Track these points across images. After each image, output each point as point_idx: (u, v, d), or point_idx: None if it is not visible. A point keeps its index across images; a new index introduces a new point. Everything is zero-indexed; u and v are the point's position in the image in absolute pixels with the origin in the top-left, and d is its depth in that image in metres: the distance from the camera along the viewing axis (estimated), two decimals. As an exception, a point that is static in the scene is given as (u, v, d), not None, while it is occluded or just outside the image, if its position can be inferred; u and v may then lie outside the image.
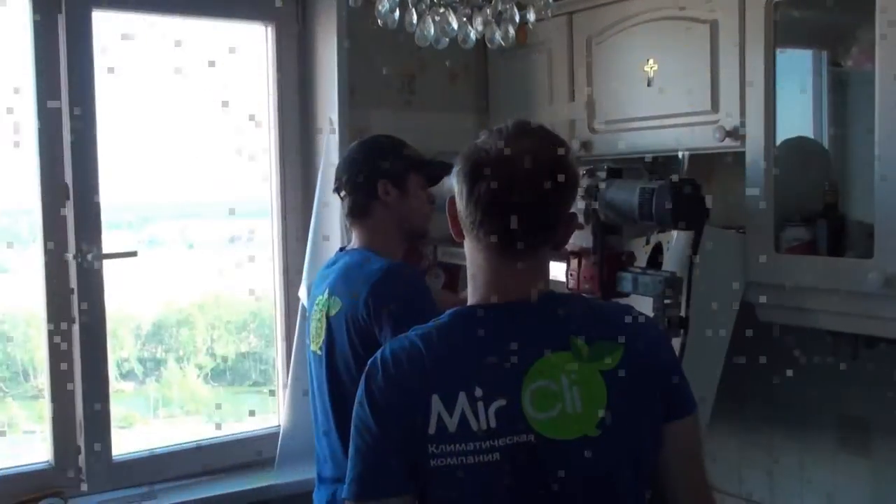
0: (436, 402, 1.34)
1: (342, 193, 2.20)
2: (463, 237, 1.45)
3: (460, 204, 1.42)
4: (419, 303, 1.99)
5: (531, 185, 1.38)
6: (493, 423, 1.33)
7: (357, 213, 2.17)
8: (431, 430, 1.34)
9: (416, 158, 2.21)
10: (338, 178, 2.21)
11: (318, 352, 2.12)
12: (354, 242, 2.19)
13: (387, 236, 2.17)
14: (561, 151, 1.42)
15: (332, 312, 2.06)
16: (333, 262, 2.19)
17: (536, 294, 1.41)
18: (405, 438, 1.35)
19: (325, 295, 2.10)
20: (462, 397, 1.33)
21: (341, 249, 2.25)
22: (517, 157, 1.39)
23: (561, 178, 1.39)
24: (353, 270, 2.08)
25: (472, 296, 1.45)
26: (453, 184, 1.44)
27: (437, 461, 1.33)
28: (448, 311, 1.44)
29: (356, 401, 1.40)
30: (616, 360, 1.38)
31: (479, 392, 1.33)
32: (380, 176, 2.14)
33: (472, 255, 1.44)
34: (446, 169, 2.20)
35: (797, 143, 2.40)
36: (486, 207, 1.39)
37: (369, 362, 1.42)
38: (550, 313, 1.41)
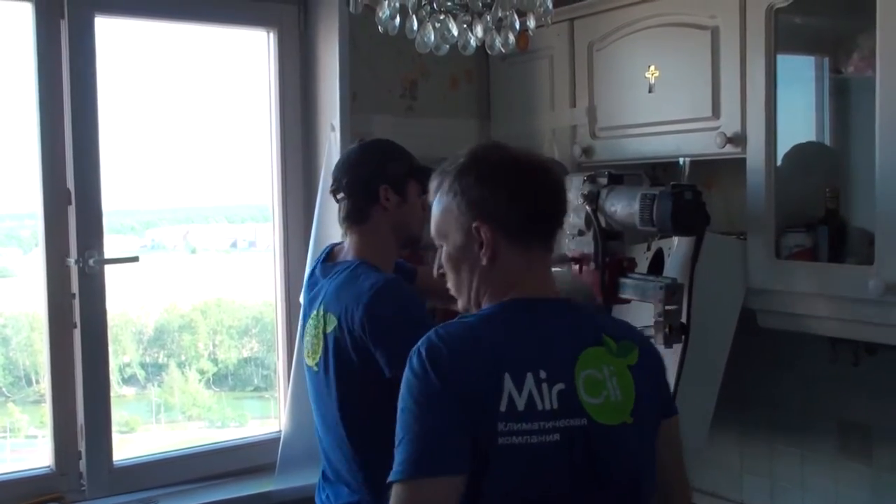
0: (507, 381, 1.38)
1: (339, 196, 2.17)
2: (490, 246, 1.48)
3: (503, 207, 1.47)
4: (413, 315, 1.98)
5: (559, 192, 1.53)
6: (555, 405, 1.40)
7: (355, 217, 2.16)
8: (503, 407, 1.37)
9: (417, 165, 2.21)
10: (336, 180, 2.19)
11: (315, 368, 2.10)
12: (349, 250, 2.18)
13: (382, 243, 2.16)
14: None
15: (329, 329, 2.05)
16: (323, 274, 2.17)
17: (554, 295, 1.53)
18: (476, 415, 1.37)
19: (321, 311, 2.09)
20: (530, 378, 1.39)
21: (328, 254, 2.23)
22: (542, 165, 1.54)
23: (565, 191, 1.55)
24: (345, 286, 2.05)
25: (503, 293, 1.49)
26: (480, 192, 1.48)
27: (505, 439, 1.36)
28: (496, 304, 1.49)
29: (411, 379, 1.40)
30: (635, 358, 1.50)
31: (543, 374, 1.40)
32: (382, 181, 2.13)
33: (505, 256, 1.48)
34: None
35: (806, 148, 2.40)
36: (533, 211, 1.49)
37: (424, 342, 1.43)
38: (582, 311, 1.56)
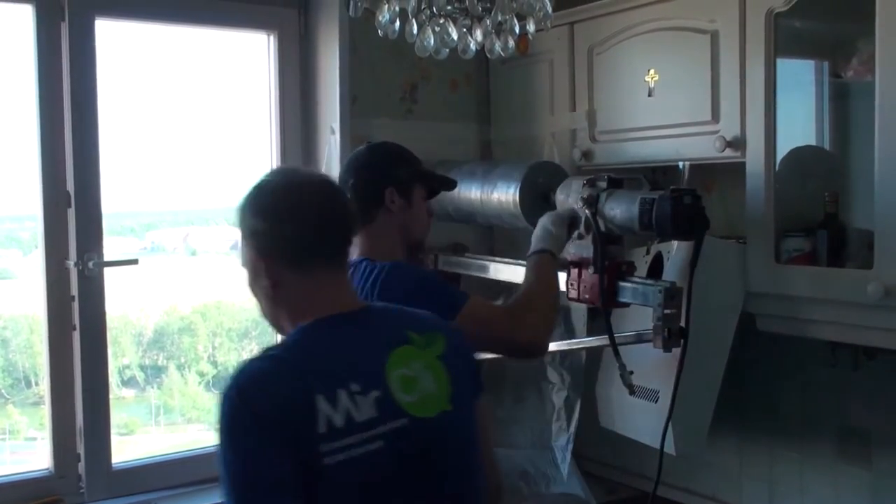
0: (321, 402, 1.40)
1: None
2: (271, 276, 1.52)
3: (274, 235, 1.51)
4: (424, 278, 2.04)
5: (336, 212, 1.56)
6: (375, 413, 1.44)
7: (360, 218, 2.15)
8: (322, 429, 1.39)
9: (423, 170, 2.22)
10: (343, 181, 2.19)
11: None
12: (354, 251, 2.19)
13: (388, 244, 2.16)
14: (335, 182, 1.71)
15: None
16: None
17: (361, 303, 1.63)
18: (297, 443, 1.38)
19: None
20: (343, 394, 1.42)
21: None
22: (321, 184, 1.59)
23: (351, 204, 1.63)
24: (355, 278, 2.07)
25: (301, 317, 1.52)
26: (252, 223, 1.54)
27: (331, 458, 1.39)
28: (296, 330, 1.52)
29: (224, 423, 1.40)
30: (442, 347, 1.58)
31: (355, 387, 1.44)
32: (388, 183, 2.14)
33: (290, 283, 1.52)
34: (449, 184, 2.21)
35: (803, 152, 2.40)
36: (309, 236, 1.52)
37: (232, 385, 1.43)
38: (382, 315, 1.61)
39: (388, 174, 2.15)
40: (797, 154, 2.39)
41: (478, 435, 1.60)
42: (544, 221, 2.26)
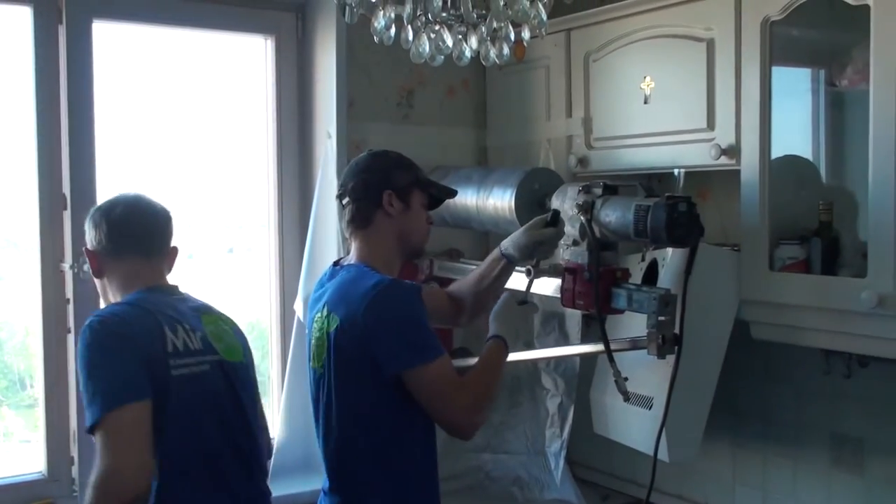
0: (167, 331, 1.94)
1: (345, 200, 2.18)
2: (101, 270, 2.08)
3: (101, 241, 2.06)
4: (415, 315, 2.01)
5: (149, 220, 2.11)
6: (200, 346, 2.00)
7: (359, 221, 2.16)
8: (170, 348, 1.93)
9: (423, 177, 2.22)
10: (343, 185, 2.20)
11: (321, 369, 2.11)
12: (352, 255, 2.19)
13: (385, 249, 2.16)
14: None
15: (332, 328, 2.07)
16: (329, 277, 2.19)
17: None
18: (149, 357, 1.88)
19: (324, 312, 2.10)
20: (180, 328, 1.98)
21: (336, 264, 2.24)
22: (141, 203, 2.12)
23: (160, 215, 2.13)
24: (348, 286, 2.07)
25: (124, 291, 2.05)
26: (91, 234, 2.07)
27: (176, 371, 1.92)
28: (129, 294, 2.03)
29: (91, 344, 1.86)
30: (233, 323, 2.16)
31: (187, 326, 2.00)
32: (386, 186, 2.14)
33: (110, 270, 2.07)
34: (449, 193, 2.21)
35: (789, 161, 2.41)
36: (125, 234, 2.07)
37: (94, 318, 1.92)
38: (185, 295, 2.13)
39: (387, 178, 2.15)
40: (789, 161, 2.39)
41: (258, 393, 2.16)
42: (500, 301, 2.28)
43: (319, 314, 2.12)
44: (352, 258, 2.18)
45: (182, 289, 2.15)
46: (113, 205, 2.10)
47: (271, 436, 2.92)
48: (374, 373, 2.00)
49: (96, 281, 2.13)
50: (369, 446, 2.04)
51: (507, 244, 2.30)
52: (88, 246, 2.09)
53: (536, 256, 2.30)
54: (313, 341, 2.13)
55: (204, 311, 2.10)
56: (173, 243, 2.16)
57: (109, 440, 1.77)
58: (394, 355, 1.99)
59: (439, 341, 2.03)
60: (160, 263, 2.12)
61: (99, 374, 1.84)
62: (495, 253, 2.31)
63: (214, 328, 2.07)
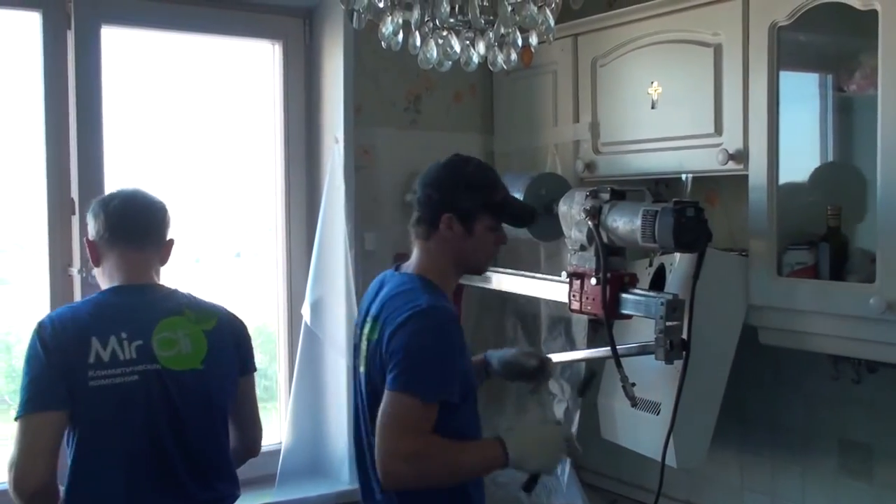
0: (95, 343, 2.01)
1: (414, 205, 2.17)
2: (99, 259, 2.16)
3: (98, 231, 2.15)
4: (438, 350, 1.96)
5: (140, 213, 2.17)
6: (134, 355, 2.04)
7: (419, 232, 2.13)
8: (91, 359, 2.00)
9: (494, 200, 2.12)
10: (418, 187, 2.16)
11: (365, 376, 2.10)
12: (412, 261, 2.15)
13: (443, 263, 2.12)
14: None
15: (373, 338, 2.05)
16: (389, 278, 2.16)
17: (153, 279, 2.18)
18: (69, 368, 1.98)
19: (373, 319, 2.08)
20: (113, 338, 2.03)
21: (397, 261, 2.24)
22: (137, 196, 2.19)
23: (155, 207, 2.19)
24: (397, 300, 2.04)
25: (108, 282, 2.15)
26: (90, 225, 2.16)
27: (95, 382, 1.99)
28: (102, 290, 2.15)
29: (29, 344, 2.01)
30: (212, 326, 2.15)
31: (124, 335, 2.04)
32: (448, 209, 2.08)
33: (105, 256, 2.15)
34: (525, 219, 2.20)
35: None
36: (116, 227, 2.14)
37: (43, 319, 2.04)
38: (169, 293, 2.16)
39: (451, 200, 2.08)
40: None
41: (227, 399, 2.16)
42: (548, 430, 2.14)
43: (369, 320, 2.10)
44: (411, 264, 2.15)
45: (173, 285, 2.19)
46: (112, 197, 2.18)
47: (278, 440, 2.94)
48: None
49: (95, 271, 2.21)
50: None
51: (492, 353, 2.36)
52: (89, 236, 2.18)
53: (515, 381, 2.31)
54: (363, 344, 2.11)
55: (169, 315, 2.11)
56: (170, 236, 2.21)
57: (18, 437, 1.96)
58: (397, 378, 1.94)
59: (451, 386, 1.96)
60: (153, 255, 2.18)
61: (24, 379, 2.00)
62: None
63: (169, 334, 2.09)
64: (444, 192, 2.10)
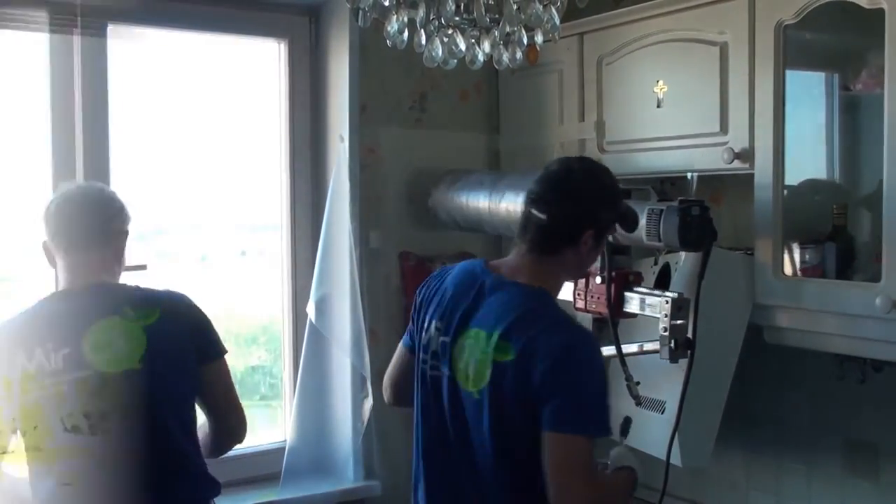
0: (20, 355, 1.97)
1: (541, 216, 1.94)
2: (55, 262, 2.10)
3: (51, 235, 2.10)
4: (598, 381, 1.88)
5: (92, 216, 2.11)
6: (60, 365, 1.98)
7: (544, 247, 1.95)
8: (19, 373, 1.96)
9: (623, 210, 2.05)
10: (541, 196, 1.96)
11: (476, 395, 1.89)
12: (520, 269, 1.97)
13: (560, 275, 2.02)
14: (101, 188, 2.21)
15: (501, 358, 1.86)
16: (480, 277, 1.99)
17: (102, 279, 2.10)
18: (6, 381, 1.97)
19: (487, 331, 1.88)
20: (38, 350, 1.98)
21: (485, 266, 2.03)
22: (76, 194, 2.13)
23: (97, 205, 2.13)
24: (528, 317, 1.87)
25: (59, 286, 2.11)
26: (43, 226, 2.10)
27: (24, 396, 1.97)
28: (51, 294, 2.10)
29: None
30: (153, 320, 2.05)
31: (49, 345, 1.98)
32: (590, 227, 1.94)
33: (59, 262, 2.09)
34: (634, 225, 2.14)
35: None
36: (64, 231, 2.09)
37: None
38: (108, 292, 2.08)
39: (594, 216, 1.95)
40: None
41: (179, 393, 2.09)
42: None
43: (478, 331, 1.91)
44: (521, 274, 1.97)
45: (129, 281, 2.17)
46: (52, 199, 2.12)
47: (283, 438, 2.95)
48: (527, 418, 1.85)
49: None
50: (511, 479, 1.91)
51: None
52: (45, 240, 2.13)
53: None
54: (468, 358, 1.92)
55: (103, 316, 2.02)
56: (127, 228, 2.15)
57: None
58: (555, 413, 1.81)
59: (610, 420, 1.89)
60: (98, 256, 2.10)
61: None
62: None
63: (102, 336, 2.00)
64: (589, 208, 1.95)
